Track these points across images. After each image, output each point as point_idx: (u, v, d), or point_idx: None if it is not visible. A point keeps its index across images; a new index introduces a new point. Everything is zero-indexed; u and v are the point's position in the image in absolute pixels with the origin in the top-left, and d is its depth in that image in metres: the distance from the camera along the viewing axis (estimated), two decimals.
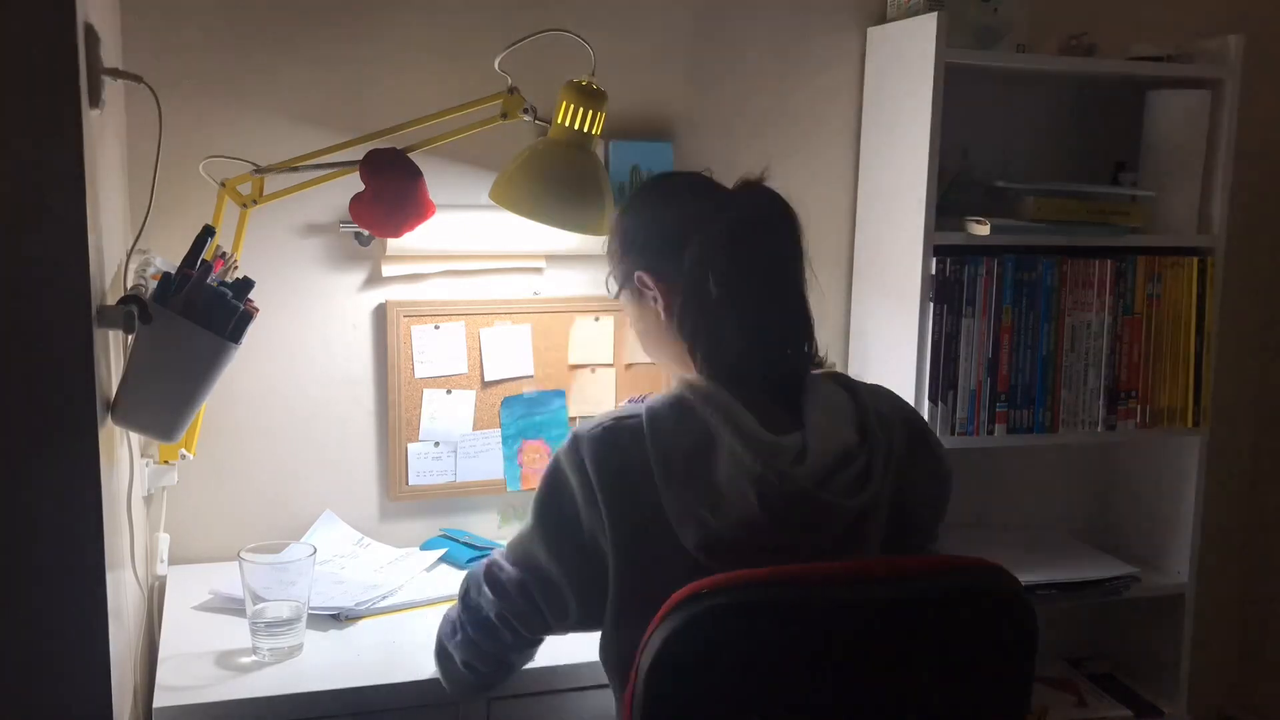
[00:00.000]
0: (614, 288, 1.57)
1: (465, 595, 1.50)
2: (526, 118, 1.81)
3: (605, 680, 1.45)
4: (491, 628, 1.46)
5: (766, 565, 1.24)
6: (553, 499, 1.39)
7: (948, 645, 1.26)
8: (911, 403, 2.11)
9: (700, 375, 1.43)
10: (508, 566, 1.44)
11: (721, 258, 1.40)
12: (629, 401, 1.50)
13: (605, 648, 1.39)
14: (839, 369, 2.30)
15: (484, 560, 1.50)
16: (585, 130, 1.78)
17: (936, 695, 1.27)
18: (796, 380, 1.43)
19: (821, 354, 1.51)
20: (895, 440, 1.40)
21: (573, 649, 1.67)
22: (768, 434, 1.34)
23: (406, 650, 1.69)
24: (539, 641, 1.52)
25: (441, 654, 1.55)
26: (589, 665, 1.61)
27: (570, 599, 1.39)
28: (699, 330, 1.43)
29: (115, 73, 1.42)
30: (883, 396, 1.48)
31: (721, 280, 1.39)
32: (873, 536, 1.35)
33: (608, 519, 1.33)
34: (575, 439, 1.37)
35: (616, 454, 1.34)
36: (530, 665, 1.65)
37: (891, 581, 1.25)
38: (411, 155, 1.78)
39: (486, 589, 1.45)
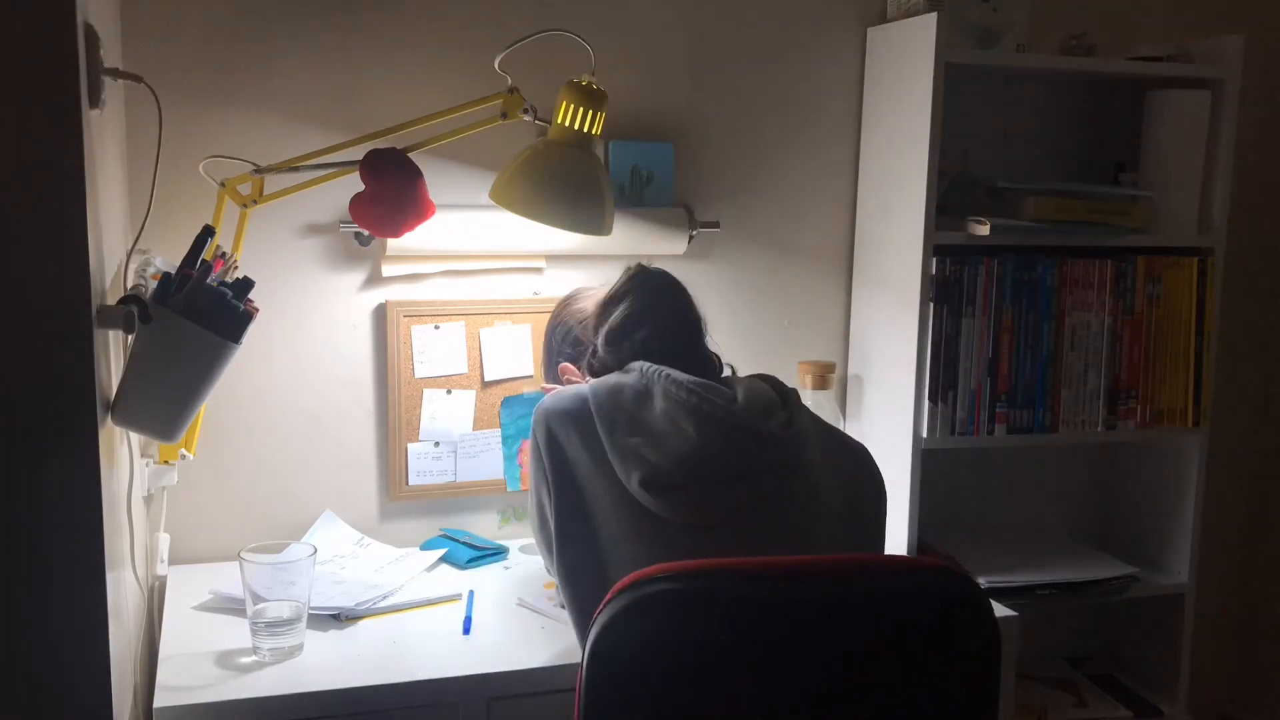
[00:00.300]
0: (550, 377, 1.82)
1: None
2: (526, 118, 1.81)
3: None
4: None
5: (710, 503, 1.40)
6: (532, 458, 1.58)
7: (898, 647, 1.25)
8: (912, 403, 2.13)
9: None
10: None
11: (604, 320, 1.67)
12: None
13: (572, 600, 1.49)
14: (839, 369, 2.32)
15: None
16: (585, 130, 1.78)
17: (887, 698, 1.25)
18: (704, 366, 1.63)
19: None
20: (815, 423, 1.58)
21: (572, 649, 1.67)
22: (700, 379, 1.51)
23: (406, 650, 1.69)
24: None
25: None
26: None
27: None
28: (616, 351, 1.64)
29: (115, 73, 1.42)
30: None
31: (611, 330, 1.65)
32: (815, 476, 1.48)
33: (549, 466, 1.50)
34: (537, 409, 1.56)
35: (562, 412, 1.52)
36: (530, 665, 1.65)
37: (839, 578, 1.25)
38: (411, 155, 1.78)
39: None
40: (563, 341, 1.77)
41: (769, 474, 1.45)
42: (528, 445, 2.14)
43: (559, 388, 1.63)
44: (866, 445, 1.62)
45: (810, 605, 1.23)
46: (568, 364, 1.74)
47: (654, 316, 1.65)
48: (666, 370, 1.53)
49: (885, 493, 1.58)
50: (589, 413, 1.50)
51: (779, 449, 1.46)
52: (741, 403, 1.49)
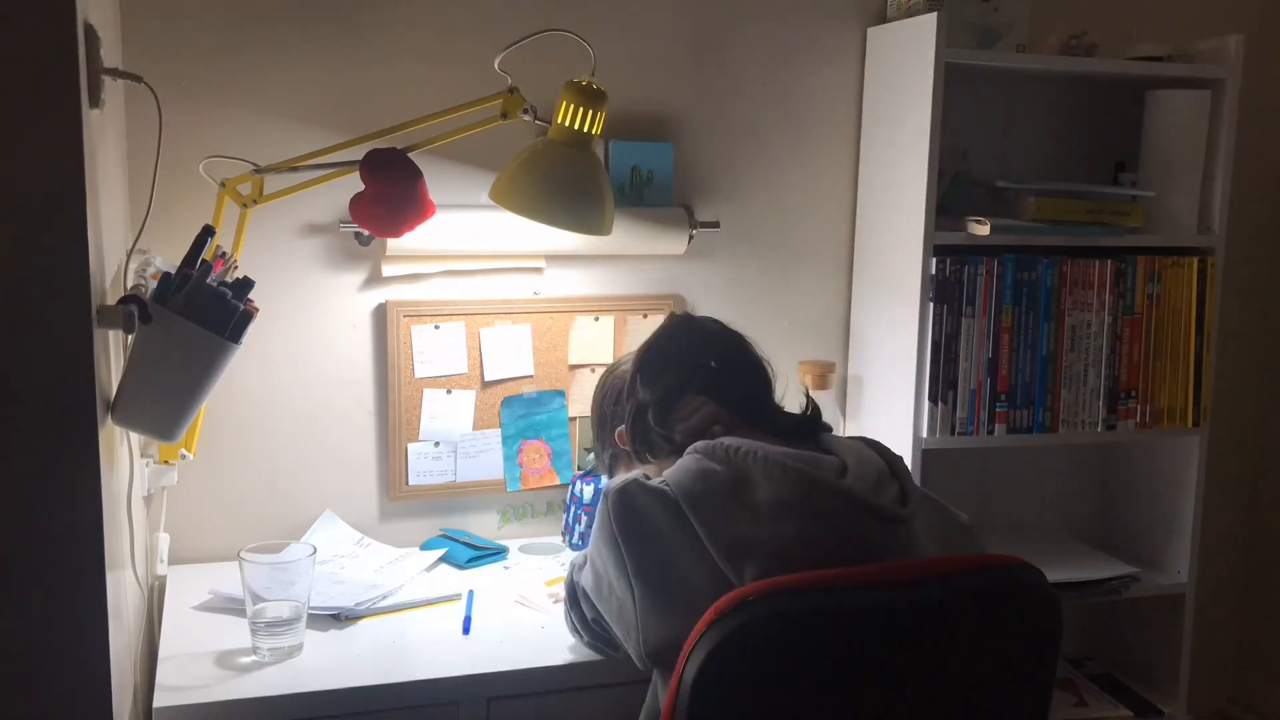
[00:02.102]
0: (612, 467, 1.67)
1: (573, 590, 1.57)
2: (526, 118, 1.81)
3: (606, 680, 1.45)
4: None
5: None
6: (599, 552, 1.41)
7: (982, 641, 1.27)
8: (911, 403, 2.12)
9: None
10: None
11: (650, 366, 1.55)
12: None
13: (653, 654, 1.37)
14: (839, 369, 2.32)
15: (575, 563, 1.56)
16: (585, 130, 1.78)
17: (971, 689, 1.28)
18: (798, 426, 1.48)
19: (802, 408, 1.54)
20: (924, 495, 1.43)
21: (572, 650, 1.67)
22: (802, 451, 1.34)
23: (406, 650, 1.69)
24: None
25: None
26: (589, 665, 1.61)
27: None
28: (666, 428, 1.50)
29: (115, 73, 1.42)
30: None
31: (655, 378, 1.52)
32: (922, 554, 1.35)
33: (635, 581, 1.33)
34: (605, 495, 1.39)
35: (638, 507, 1.35)
36: (530, 665, 1.65)
37: (926, 582, 1.25)
38: (411, 155, 1.78)
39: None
40: (612, 416, 1.63)
41: (881, 559, 1.29)
42: (528, 446, 2.15)
43: (623, 475, 1.43)
44: None
45: (903, 611, 1.23)
46: (623, 429, 1.59)
47: (720, 383, 1.49)
48: (758, 447, 1.34)
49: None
50: (671, 503, 1.33)
51: (897, 529, 1.31)
52: (852, 474, 1.33)
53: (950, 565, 1.30)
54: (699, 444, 1.39)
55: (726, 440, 1.37)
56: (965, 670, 1.27)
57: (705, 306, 2.24)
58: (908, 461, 2.10)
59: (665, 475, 1.37)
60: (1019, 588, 1.29)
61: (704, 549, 1.28)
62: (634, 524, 1.33)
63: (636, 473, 1.40)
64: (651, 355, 1.56)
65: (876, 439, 1.49)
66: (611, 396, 1.64)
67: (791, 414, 1.50)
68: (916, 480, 2.09)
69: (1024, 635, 1.30)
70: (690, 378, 1.49)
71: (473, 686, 1.62)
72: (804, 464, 1.31)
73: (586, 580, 1.48)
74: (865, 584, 1.22)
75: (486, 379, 2.12)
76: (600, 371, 2.17)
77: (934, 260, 2.09)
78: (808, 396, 1.55)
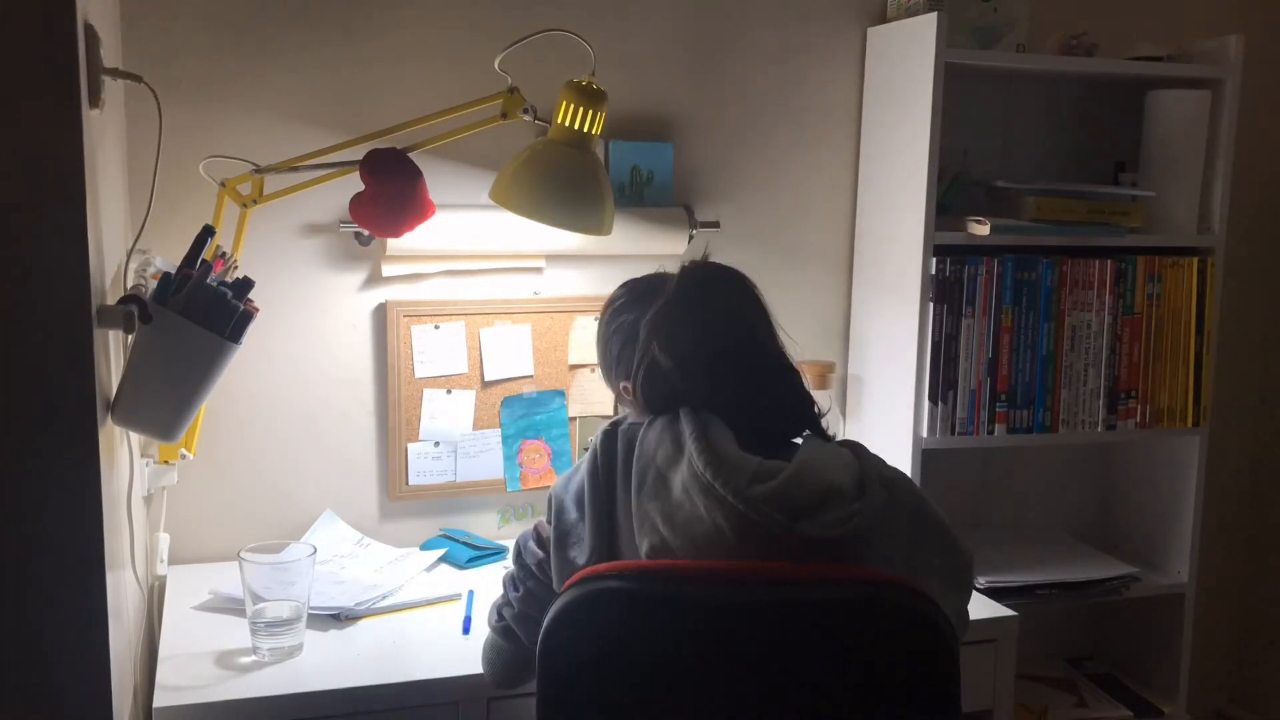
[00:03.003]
0: (618, 408, 1.61)
1: (518, 554, 1.52)
2: (526, 118, 1.81)
3: None
4: (542, 584, 1.46)
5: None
6: (572, 476, 1.45)
7: (844, 657, 1.22)
8: (911, 403, 2.12)
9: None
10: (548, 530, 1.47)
11: (662, 331, 1.41)
12: None
13: None
14: (839, 369, 2.32)
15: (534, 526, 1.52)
16: (585, 130, 1.78)
17: (820, 702, 1.23)
18: (787, 424, 1.41)
19: (821, 409, 1.45)
20: (899, 514, 1.33)
21: None
22: (734, 449, 1.30)
23: (406, 650, 1.69)
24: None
25: (498, 624, 1.53)
26: None
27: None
28: (657, 396, 1.41)
29: (115, 73, 1.42)
30: (900, 478, 1.40)
31: (669, 348, 1.40)
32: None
33: (590, 515, 1.38)
34: (602, 430, 1.42)
35: (608, 456, 1.39)
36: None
37: (784, 585, 1.21)
38: (411, 155, 1.78)
39: (535, 546, 1.49)
40: (617, 359, 1.54)
41: (783, 558, 1.24)
42: (529, 446, 2.15)
43: (624, 416, 1.43)
44: (866, 445, 1.45)
45: (757, 611, 1.22)
46: (628, 382, 1.49)
47: (710, 347, 1.40)
48: (707, 434, 1.31)
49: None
50: (630, 458, 1.35)
51: (813, 553, 1.23)
52: (777, 485, 1.25)
53: (817, 573, 1.23)
54: (684, 411, 1.36)
55: (687, 418, 1.34)
56: (822, 686, 1.23)
57: None
58: (907, 462, 2.12)
59: (647, 421, 1.39)
60: (885, 606, 1.21)
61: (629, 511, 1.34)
62: (603, 469, 1.39)
63: (626, 420, 1.43)
64: (673, 325, 1.41)
65: (871, 452, 1.41)
66: (617, 342, 1.54)
67: (773, 405, 1.41)
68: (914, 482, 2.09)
69: (887, 656, 1.22)
70: (700, 356, 1.39)
71: (473, 686, 1.62)
72: (722, 463, 1.27)
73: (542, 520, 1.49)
74: (717, 580, 1.23)
75: (486, 379, 2.12)
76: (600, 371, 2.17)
77: (934, 260, 2.09)
78: (801, 392, 1.44)
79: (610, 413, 2.18)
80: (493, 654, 1.55)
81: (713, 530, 1.25)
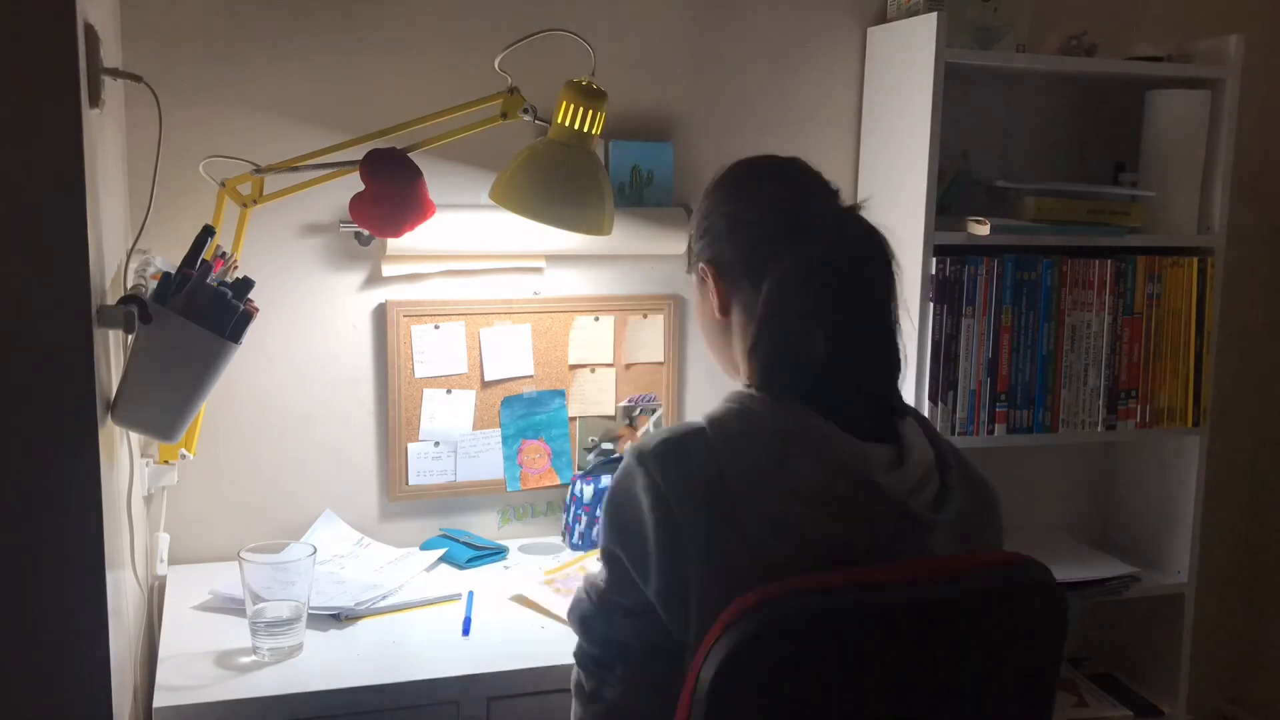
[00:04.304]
0: (691, 271, 1.45)
1: (588, 631, 1.32)
2: (526, 118, 1.81)
3: None
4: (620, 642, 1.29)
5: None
6: (628, 520, 1.25)
7: (996, 639, 1.27)
8: (911, 403, 2.12)
9: (758, 387, 1.30)
10: (624, 591, 1.28)
11: (793, 293, 1.28)
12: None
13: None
14: None
15: (589, 592, 1.33)
16: (585, 130, 1.78)
17: (984, 687, 1.27)
18: (876, 404, 1.30)
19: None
20: (968, 483, 1.33)
21: (571, 649, 1.67)
22: (854, 439, 1.23)
23: (406, 650, 1.69)
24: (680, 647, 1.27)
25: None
26: None
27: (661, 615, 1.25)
28: (766, 352, 1.30)
29: (115, 73, 1.42)
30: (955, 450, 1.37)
31: (797, 312, 1.27)
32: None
33: (686, 533, 1.20)
34: (639, 456, 1.25)
35: (687, 466, 1.22)
36: (530, 665, 1.65)
37: (941, 582, 1.23)
38: (411, 155, 1.78)
39: (610, 614, 1.30)
40: (721, 237, 1.37)
41: (911, 549, 1.24)
42: (529, 446, 2.15)
43: (654, 430, 1.32)
44: None
45: (919, 612, 1.21)
46: (713, 269, 1.37)
47: (821, 344, 1.26)
48: (814, 423, 1.23)
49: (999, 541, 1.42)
50: (713, 465, 1.22)
51: (926, 534, 1.25)
52: (906, 470, 1.24)
53: (962, 564, 1.28)
54: (758, 400, 1.26)
55: (783, 409, 1.24)
56: (980, 668, 1.27)
57: None
58: None
59: (711, 423, 1.26)
60: (1029, 585, 1.29)
61: (731, 521, 1.21)
62: (688, 486, 1.22)
63: (668, 432, 1.27)
64: (819, 282, 1.27)
65: (928, 419, 1.37)
66: (736, 236, 1.36)
67: (871, 404, 1.31)
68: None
69: (1034, 632, 1.29)
70: (826, 327, 1.26)
71: (473, 686, 1.62)
72: (853, 456, 1.22)
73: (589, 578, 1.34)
74: (881, 584, 1.20)
75: (486, 379, 2.12)
76: (600, 370, 2.17)
77: (934, 260, 2.09)
78: (894, 385, 1.33)
79: (608, 413, 2.18)
80: None
81: (846, 524, 1.21)
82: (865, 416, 1.27)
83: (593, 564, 1.41)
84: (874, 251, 1.32)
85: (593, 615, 1.30)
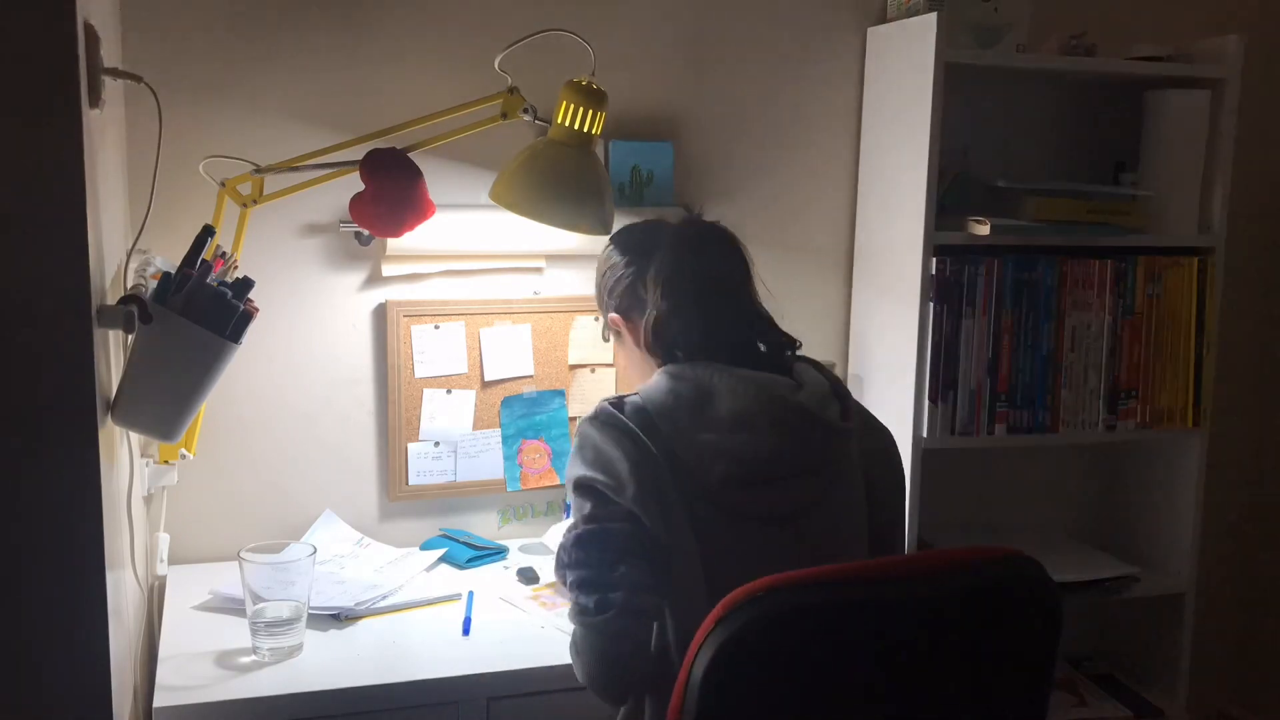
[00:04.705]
0: (608, 337, 1.75)
1: (578, 554, 1.44)
2: (526, 118, 1.81)
3: None
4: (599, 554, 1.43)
5: (786, 494, 1.41)
6: (601, 457, 1.43)
7: (988, 633, 1.28)
8: (912, 403, 2.12)
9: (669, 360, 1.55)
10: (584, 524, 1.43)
11: (664, 281, 1.56)
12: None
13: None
14: (839, 368, 2.32)
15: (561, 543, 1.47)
16: (585, 130, 1.78)
17: (978, 680, 1.28)
18: (771, 356, 1.57)
19: (799, 343, 1.62)
20: (858, 410, 1.57)
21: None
22: (760, 372, 1.48)
23: (406, 650, 1.69)
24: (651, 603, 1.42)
25: (580, 618, 1.45)
26: None
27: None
28: (662, 342, 1.56)
29: (115, 73, 1.42)
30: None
31: (666, 297, 1.54)
32: (858, 463, 1.50)
33: (648, 456, 1.41)
34: (592, 417, 1.46)
35: (635, 419, 1.44)
36: (530, 665, 1.65)
37: (931, 578, 1.26)
38: (411, 155, 1.78)
39: (572, 547, 1.43)
40: (609, 292, 1.69)
41: (832, 465, 1.46)
42: (528, 446, 2.15)
43: (598, 406, 1.49)
44: None
45: (909, 607, 1.23)
46: (617, 315, 1.68)
47: (703, 288, 1.55)
48: (722, 367, 1.48)
49: (904, 481, 1.62)
50: (648, 418, 1.43)
51: (841, 442, 1.48)
52: (805, 392, 1.48)
53: (954, 559, 1.30)
54: (670, 367, 1.51)
55: (694, 365, 1.49)
56: (973, 663, 1.28)
57: None
58: (907, 461, 2.11)
59: (640, 393, 1.49)
60: (1023, 581, 1.31)
61: (673, 461, 1.40)
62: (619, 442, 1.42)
63: (609, 401, 1.49)
64: (671, 272, 1.56)
65: (816, 359, 1.60)
66: (619, 285, 1.67)
67: (760, 347, 1.58)
68: (914, 481, 2.11)
69: (1028, 627, 1.31)
70: (693, 300, 1.55)
71: (473, 686, 1.62)
72: (762, 381, 1.46)
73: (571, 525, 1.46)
74: (873, 579, 1.23)
75: (486, 379, 2.12)
76: (600, 370, 2.18)
77: (934, 260, 2.09)
78: (780, 332, 1.60)
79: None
80: (584, 646, 1.44)
81: (774, 442, 1.41)
82: (760, 362, 1.53)
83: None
84: (714, 234, 1.61)
85: (585, 537, 1.42)
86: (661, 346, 1.56)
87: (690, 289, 1.55)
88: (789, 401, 1.45)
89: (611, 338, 1.73)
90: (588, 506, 1.43)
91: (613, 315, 1.68)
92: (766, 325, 1.59)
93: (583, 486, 1.44)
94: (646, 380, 1.54)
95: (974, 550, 1.35)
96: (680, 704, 1.19)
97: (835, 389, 1.53)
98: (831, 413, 1.48)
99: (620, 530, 1.40)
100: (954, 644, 1.26)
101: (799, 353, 1.61)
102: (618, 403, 1.48)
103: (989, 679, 1.30)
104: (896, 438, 2.13)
